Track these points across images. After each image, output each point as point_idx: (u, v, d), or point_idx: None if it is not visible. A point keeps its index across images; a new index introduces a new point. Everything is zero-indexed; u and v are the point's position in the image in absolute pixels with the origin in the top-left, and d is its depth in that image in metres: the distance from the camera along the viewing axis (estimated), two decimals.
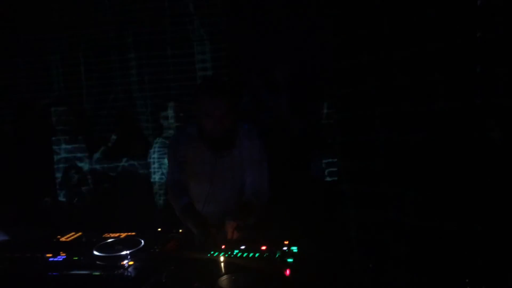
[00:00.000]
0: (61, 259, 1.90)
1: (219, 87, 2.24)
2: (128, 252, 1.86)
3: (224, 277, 1.65)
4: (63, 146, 3.48)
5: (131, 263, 1.78)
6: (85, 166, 3.48)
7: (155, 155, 3.37)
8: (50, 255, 1.94)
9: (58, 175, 3.41)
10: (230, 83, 2.33)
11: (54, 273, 1.79)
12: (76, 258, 1.89)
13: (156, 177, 3.36)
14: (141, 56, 4.35)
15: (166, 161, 3.22)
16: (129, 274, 1.70)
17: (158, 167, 3.31)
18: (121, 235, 2.17)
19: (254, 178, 2.39)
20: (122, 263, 1.78)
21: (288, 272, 1.68)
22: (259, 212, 2.33)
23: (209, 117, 2.21)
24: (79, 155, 3.48)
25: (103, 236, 2.19)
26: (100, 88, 4.29)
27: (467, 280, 1.77)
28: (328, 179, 4.01)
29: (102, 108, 4.33)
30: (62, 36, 4.29)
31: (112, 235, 2.20)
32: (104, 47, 4.34)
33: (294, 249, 1.88)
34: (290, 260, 1.78)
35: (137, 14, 4.27)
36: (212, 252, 1.91)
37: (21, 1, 4.19)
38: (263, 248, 1.92)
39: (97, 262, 1.83)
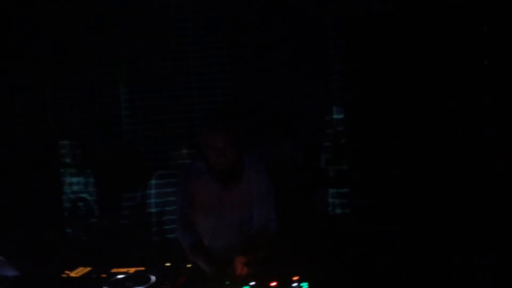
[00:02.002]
0: None
1: (221, 120, 2.28)
2: None
3: None
4: (71, 178, 3.51)
5: None
6: (92, 198, 3.50)
7: (159, 188, 3.39)
8: None
9: (66, 207, 3.43)
10: (233, 116, 2.36)
11: None
12: None
13: (156, 209, 3.36)
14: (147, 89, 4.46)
15: (173, 193, 3.24)
16: None
17: (162, 200, 3.33)
18: (129, 270, 2.18)
19: (262, 212, 2.40)
20: None
21: None
22: (267, 246, 2.34)
23: (211, 150, 2.25)
24: (86, 188, 3.50)
25: (112, 271, 2.19)
26: (108, 120, 4.37)
27: None
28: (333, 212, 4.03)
29: (110, 140, 4.40)
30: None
31: (121, 270, 2.20)
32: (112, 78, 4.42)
33: (305, 285, 1.89)
34: None
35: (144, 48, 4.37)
36: None
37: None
38: (273, 284, 1.92)
39: None
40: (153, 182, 3.42)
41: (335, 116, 4.09)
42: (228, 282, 1.92)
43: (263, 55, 4.41)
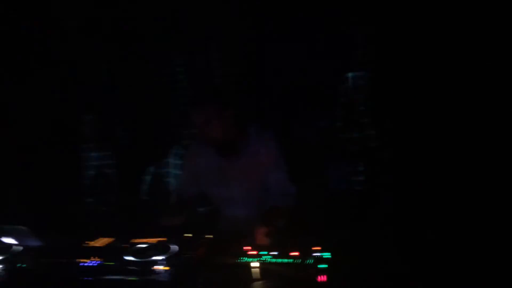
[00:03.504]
0: (95, 264, 1.92)
1: (203, 96, 2.38)
2: (161, 257, 1.87)
3: (258, 282, 1.65)
4: (92, 153, 3.53)
5: (164, 268, 1.79)
6: (112, 173, 3.52)
7: (177, 162, 3.40)
8: (84, 260, 1.96)
9: (86, 182, 3.46)
10: (225, 91, 2.43)
11: (88, 278, 1.81)
12: (110, 263, 1.90)
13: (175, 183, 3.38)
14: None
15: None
16: (163, 279, 1.71)
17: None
18: (150, 241, 2.19)
19: (277, 182, 2.44)
20: (155, 268, 1.79)
21: (321, 278, 1.68)
22: (287, 215, 2.37)
23: (205, 125, 2.33)
24: (107, 162, 3.52)
25: (133, 241, 2.21)
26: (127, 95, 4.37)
27: None
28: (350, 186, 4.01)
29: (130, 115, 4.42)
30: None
31: (142, 240, 2.21)
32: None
33: (327, 255, 1.87)
34: (323, 266, 1.77)
35: None
36: (243, 258, 1.91)
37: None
38: (295, 254, 1.91)
39: (131, 268, 1.84)
40: (172, 156, 3.42)
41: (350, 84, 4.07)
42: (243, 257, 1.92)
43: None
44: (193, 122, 2.38)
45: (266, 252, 1.93)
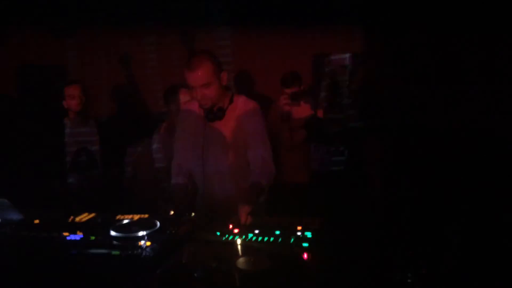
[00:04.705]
0: (78, 238, 1.92)
1: (196, 60, 2.38)
2: (145, 233, 1.88)
3: (242, 258, 1.68)
4: (74, 129, 3.49)
5: (148, 243, 1.80)
6: (95, 149, 3.49)
7: (163, 140, 3.38)
8: (67, 234, 1.96)
9: (68, 158, 3.42)
10: (213, 56, 2.43)
11: (72, 252, 1.81)
12: (94, 237, 1.91)
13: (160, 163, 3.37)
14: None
15: None
16: (147, 254, 1.72)
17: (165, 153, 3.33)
18: (134, 217, 2.20)
19: (257, 155, 2.46)
20: (139, 243, 1.80)
21: (305, 256, 1.71)
22: (266, 190, 2.44)
23: (192, 88, 2.41)
24: (90, 138, 3.48)
25: (117, 218, 2.21)
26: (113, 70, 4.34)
27: None
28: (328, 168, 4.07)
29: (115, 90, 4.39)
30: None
31: (125, 216, 2.22)
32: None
33: (308, 234, 1.91)
34: (305, 244, 1.80)
35: None
36: (227, 236, 1.94)
37: None
38: (278, 233, 1.94)
39: (115, 242, 1.85)
40: (156, 134, 3.41)
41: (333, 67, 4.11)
42: (228, 235, 1.95)
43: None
44: (189, 85, 2.41)
45: (249, 231, 1.97)
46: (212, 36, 4.41)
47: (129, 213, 2.26)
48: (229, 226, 2.03)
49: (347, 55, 4.27)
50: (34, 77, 4.31)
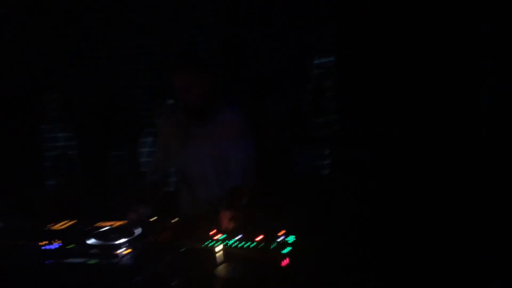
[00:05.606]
0: (55, 247, 1.88)
1: (182, 60, 2.38)
2: (124, 240, 1.85)
3: (222, 266, 1.65)
4: (53, 134, 3.43)
5: (127, 251, 1.76)
6: (74, 154, 3.44)
7: (146, 144, 3.35)
8: (44, 243, 1.92)
9: (47, 163, 3.36)
10: (199, 57, 2.41)
11: (48, 261, 1.76)
12: (71, 246, 1.87)
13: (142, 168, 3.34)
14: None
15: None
16: (126, 263, 1.68)
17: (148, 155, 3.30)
18: (113, 224, 2.16)
19: (239, 159, 2.42)
20: (118, 252, 1.77)
21: (285, 262, 1.69)
22: (248, 195, 2.42)
23: (176, 88, 2.35)
24: (69, 143, 3.43)
25: (96, 225, 2.17)
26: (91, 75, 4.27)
27: None
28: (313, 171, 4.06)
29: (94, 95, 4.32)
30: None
31: (105, 223, 2.18)
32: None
33: (290, 239, 1.89)
34: (286, 250, 1.78)
35: None
36: (208, 242, 1.91)
37: None
38: (259, 238, 1.92)
39: (93, 251, 1.81)
40: (139, 140, 3.37)
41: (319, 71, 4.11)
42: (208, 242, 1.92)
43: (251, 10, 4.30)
44: (172, 85, 2.36)
45: (230, 237, 1.94)
46: None
47: (111, 220, 2.22)
48: (210, 232, 2.00)
49: (332, 59, 4.27)
50: (12, 81, 4.23)
